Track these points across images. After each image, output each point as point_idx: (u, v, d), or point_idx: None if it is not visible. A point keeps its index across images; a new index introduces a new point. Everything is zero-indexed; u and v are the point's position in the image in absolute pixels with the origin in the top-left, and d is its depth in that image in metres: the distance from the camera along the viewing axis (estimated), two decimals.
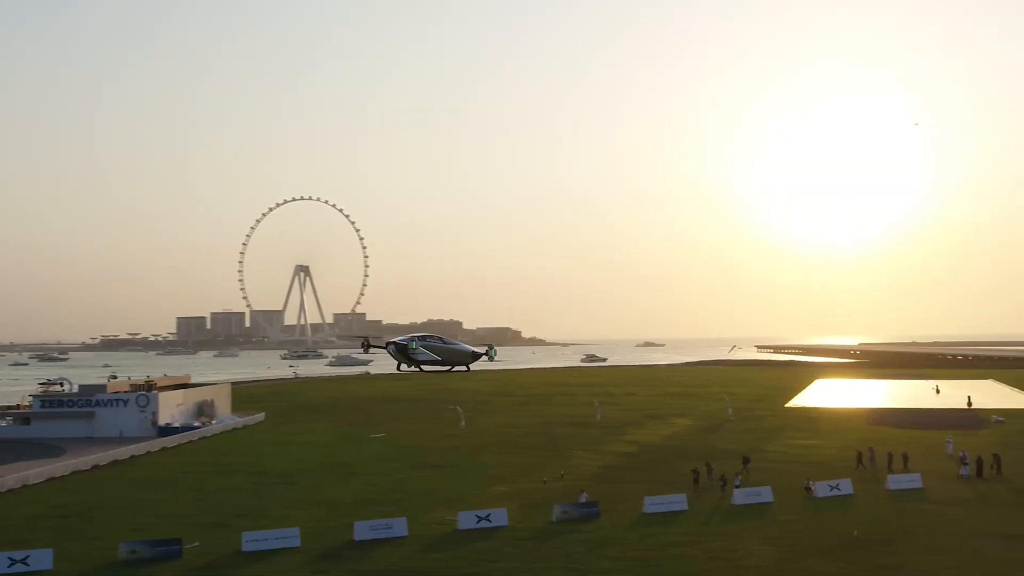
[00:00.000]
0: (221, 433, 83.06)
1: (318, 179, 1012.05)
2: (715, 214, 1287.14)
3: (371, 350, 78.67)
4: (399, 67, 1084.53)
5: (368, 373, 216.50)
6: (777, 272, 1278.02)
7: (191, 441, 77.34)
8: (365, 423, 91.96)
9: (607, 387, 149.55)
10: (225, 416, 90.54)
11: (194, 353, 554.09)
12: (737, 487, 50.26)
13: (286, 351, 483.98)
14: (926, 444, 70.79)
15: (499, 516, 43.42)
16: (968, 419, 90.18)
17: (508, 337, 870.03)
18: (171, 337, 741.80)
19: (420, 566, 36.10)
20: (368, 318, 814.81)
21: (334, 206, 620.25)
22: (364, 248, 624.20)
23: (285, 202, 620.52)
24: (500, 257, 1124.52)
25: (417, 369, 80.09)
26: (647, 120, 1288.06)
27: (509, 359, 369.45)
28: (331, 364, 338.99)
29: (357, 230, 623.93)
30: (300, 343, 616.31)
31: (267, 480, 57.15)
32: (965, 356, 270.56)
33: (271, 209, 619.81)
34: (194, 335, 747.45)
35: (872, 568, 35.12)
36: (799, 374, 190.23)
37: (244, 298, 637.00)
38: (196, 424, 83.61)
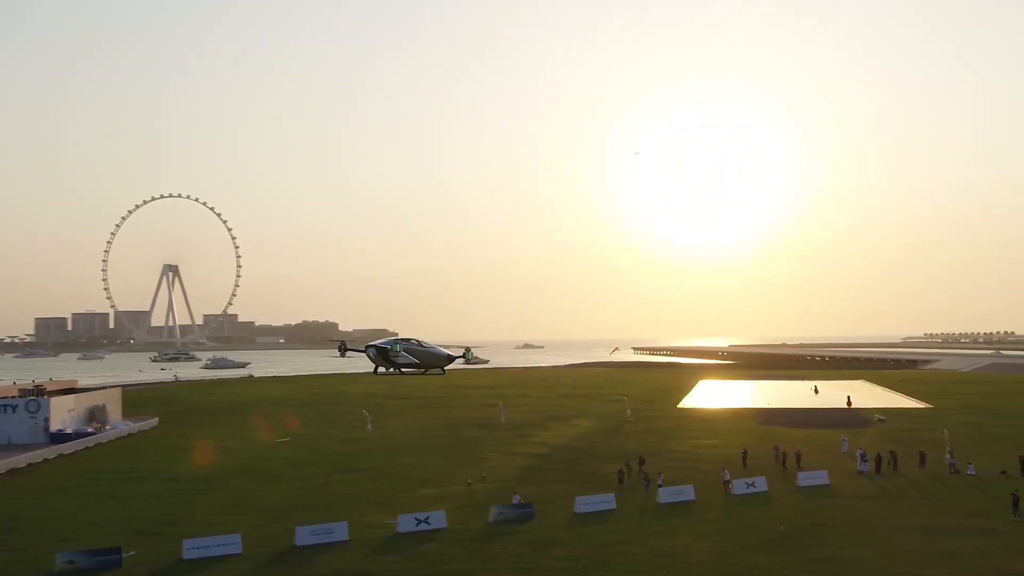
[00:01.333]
0: (117, 439, 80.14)
1: (188, 176, 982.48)
2: (590, 217, 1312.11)
3: (347, 353, 77.78)
4: (274, 63, 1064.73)
5: (252, 376, 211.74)
6: (650, 275, 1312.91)
7: (87, 448, 74.29)
8: (266, 426, 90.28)
9: (499, 389, 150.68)
10: (117, 421, 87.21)
11: (55, 356, 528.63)
12: (660, 486, 51.84)
13: (156, 353, 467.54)
14: (820, 442, 74.34)
15: (437, 518, 43.59)
16: (852, 418, 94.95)
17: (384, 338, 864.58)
18: (29, 339, 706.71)
19: (373, 570, 35.93)
20: (240, 319, 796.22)
21: (204, 204, 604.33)
22: (236, 248, 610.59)
23: (153, 199, 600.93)
24: (377, 257, 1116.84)
25: (397, 371, 79.34)
26: (525, 122, 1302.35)
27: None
28: (207, 367, 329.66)
29: (229, 229, 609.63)
30: (168, 345, 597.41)
31: (185, 486, 55.54)
32: (832, 357, 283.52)
33: (137, 206, 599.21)
34: (54, 336, 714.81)
35: (808, 560, 36.88)
36: (682, 375, 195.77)
37: (108, 298, 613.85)
38: (89, 430, 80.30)
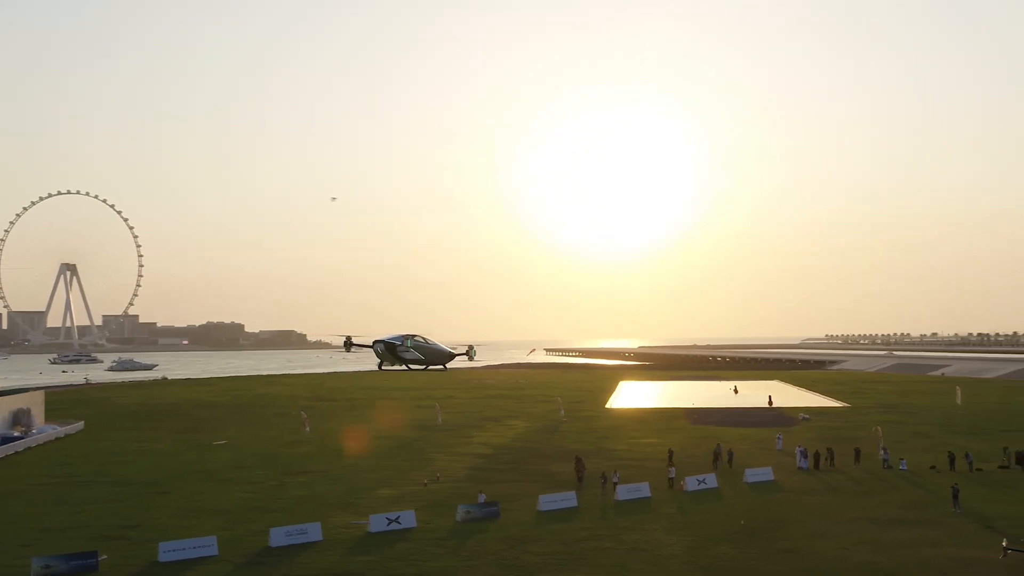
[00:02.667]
0: (46, 443, 77.90)
1: (88, 172, 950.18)
2: (499, 219, 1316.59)
3: (353, 348, 77.04)
4: (178, 57, 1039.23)
5: (165, 378, 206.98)
6: (558, 276, 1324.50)
7: (17, 452, 72.13)
8: (197, 430, 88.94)
9: (424, 391, 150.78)
10: (43, 426, 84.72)
11: None
12: (616, 484, 53.15)
13: (55, 355, 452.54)
14: (753, 441, 76.93)
15: (408, 518, 43.97)
16: (777, 417, 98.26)
17: (293, 340, 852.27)
18: None
19: (356, 568, 36.17)
20: (141, 320, 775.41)
21: (104, 201, 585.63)
22: (138, 246, 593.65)
23: (49, 196, 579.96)
24: (285, 257, 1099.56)
25: (405, 368, 78.88)
26: (436, 122, 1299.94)
27: (305, 363, 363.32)
28: (113, 369, 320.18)
29: (131, 227, 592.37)
30: (66, 347, 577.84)
31: (134, 490, 54.49)
32: (742, 358, 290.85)
33: (33, 203, 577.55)
34: None
35: (774, 552, 38.53)
36: (601, 377, 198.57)
37: (1, 298, 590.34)
38: (15, 434, 77.87)
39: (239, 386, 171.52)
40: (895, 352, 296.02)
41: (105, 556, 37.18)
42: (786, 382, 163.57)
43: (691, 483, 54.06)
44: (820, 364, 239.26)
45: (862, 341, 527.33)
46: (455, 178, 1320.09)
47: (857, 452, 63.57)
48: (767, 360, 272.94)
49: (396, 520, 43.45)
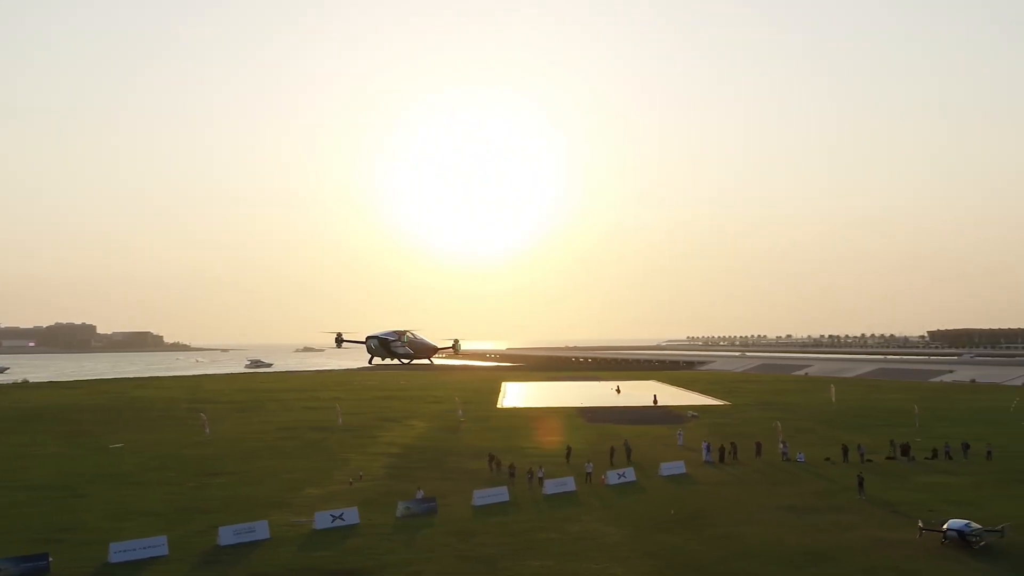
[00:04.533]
0: None
1: None
2: (364, 220, 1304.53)
3: (343, 344, 75.39)
4: (37, 52, 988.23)
5: (27, 381, 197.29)
6: (423, 277, 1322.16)
7: None
8: (86, 433, 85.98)
9: (307, 392, 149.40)
10: None
11: None
12: (541, 479, 54.71)
13: None
14: (652, 437, 79.98)
15: (351, 515, 44.26)
16: (666, 414, 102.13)
17: (149, 342, 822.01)
18: None
19: (315, 564, 36.30)
20: None
21: None
22: None
23: None
24: (140, 256, 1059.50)
25: (399, 361, 77.89)
26: (301, 119, 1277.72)
27: (167, 366, 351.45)
28: None
29: None
30: None
31: (51, 494, 52.48)
32: (613, 359, 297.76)
33: None
34: None
35: (710, 538, 40.72)
36: (482, 377, 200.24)
37: None
38: None
39: (109, 388, 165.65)
40: (748, 353, 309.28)
41: (52, 557, 36.19)
42: (663, 382, 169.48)
43: (612, 477, 56.17)
44: (689, 365, 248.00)
45: (721, 343, 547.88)
46: (319, 178, 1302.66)
47: (758, 446, 67.27)
48: (638, 361, 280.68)
49: (340, 517, 43.72)
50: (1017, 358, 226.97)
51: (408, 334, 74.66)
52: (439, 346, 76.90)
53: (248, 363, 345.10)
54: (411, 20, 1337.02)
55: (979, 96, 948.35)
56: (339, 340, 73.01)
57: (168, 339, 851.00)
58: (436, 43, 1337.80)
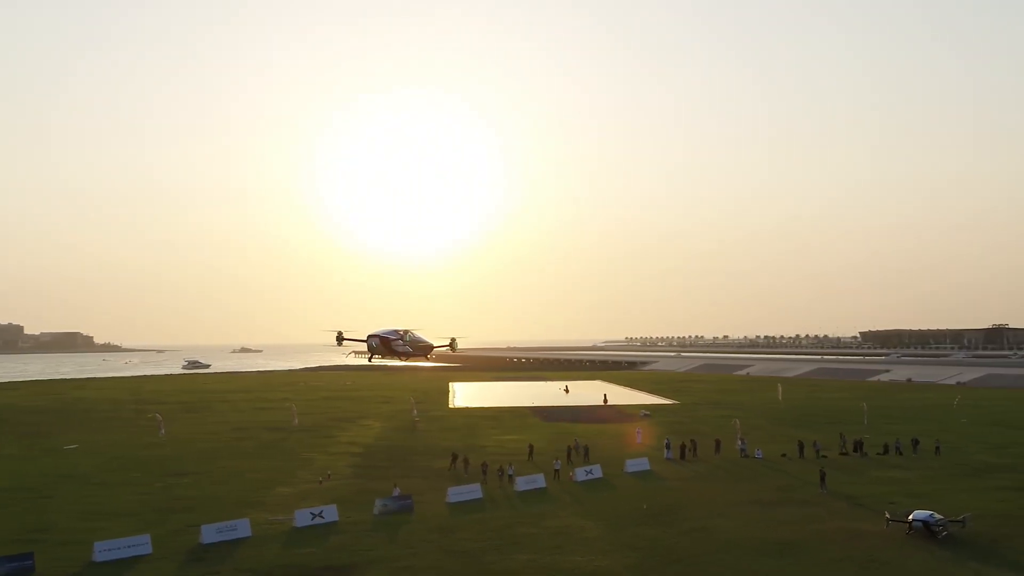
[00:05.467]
0: None
1: None
2: (301, 220, 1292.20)
3: (344, 343, 74.27)
4: None
5: None
6: (359, 278, 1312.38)
7: None
8: (37, 434, 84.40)
9: (257, 393, 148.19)
10: None
11: None
12: (511, 476, 55.41)
13: None
14: (611, 435, 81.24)
15: (330, 512, 44.45)
16: (618, 413, 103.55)
17: (79, 343, 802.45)
18: None
19: (306, 561, 36.42)
20: None
21: None
22: None
23: None
24: (71, 254, 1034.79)
25: (401, 361, 77.51)
26: (237, 116, 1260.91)
27: (100, 367, 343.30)
28: None
29: None
30: None
31: (16, 496, 51.54)
32: (557, 359, 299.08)
33: None
34: None
35: (686, 531, 41.77)
36: (428, 378, 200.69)
37: None
38: None
39: (49, 390, 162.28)
40: (684, 354, 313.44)
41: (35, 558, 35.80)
42: (608, 381, 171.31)
43: (580, 474, 57.08)
44: (632, 365, 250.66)
45: (660, 344, 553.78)
46: (255, 176, 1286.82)
47: (717, 443, 68.81)
48: (580, 361, 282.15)
49: (320, 515, 43.87)
50: (943, 357, 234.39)
51: (409, 333, 74.71)
52: (435, 344, 77.00)
53: (186, 364, 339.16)
54: (349, 20, 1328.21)
55: (912, 100, 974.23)
56: (340, 339, 72.34)
57: (98, 340, 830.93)
58: (374, 43, 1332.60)
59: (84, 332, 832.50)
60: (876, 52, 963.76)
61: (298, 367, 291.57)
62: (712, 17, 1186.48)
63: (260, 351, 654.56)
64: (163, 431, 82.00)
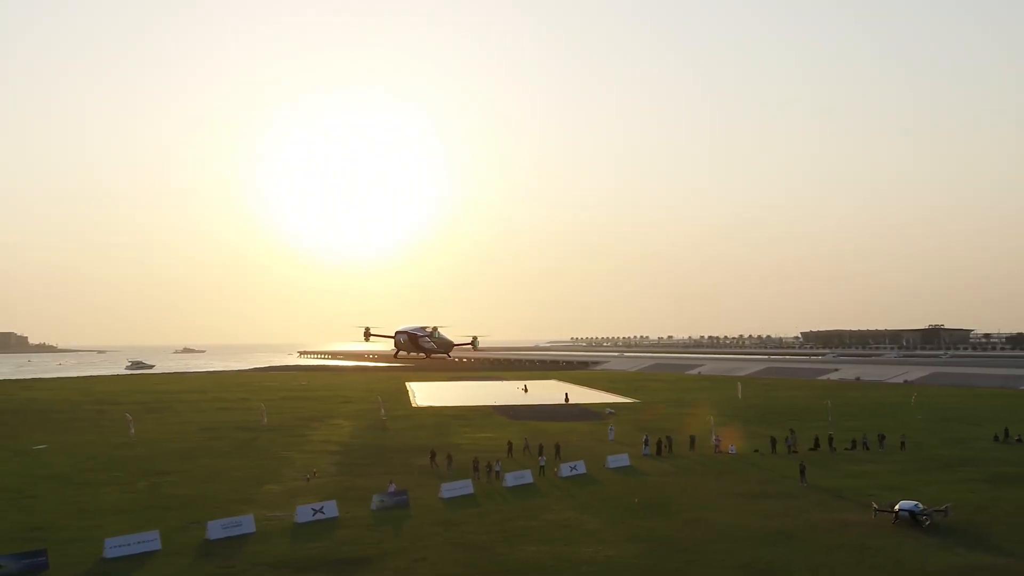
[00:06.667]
0: None
1: None
2: (243, 218, 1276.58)
3: (371, 338, 73.92)
4: None
5: None
6: (303, 277, 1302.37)
7: None
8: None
9: (213, 393, 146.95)
10: None
11: None
12: (497, 472, 56.29)
13: None
14: (581, 433, 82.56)
15: (330, 508, 44.89)
16: (583, 411, 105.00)
17: (12, 343, 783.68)
18: None
19: (319, 554, 36.84)
20: None
21: None
22: None
23: None
24: (1, 254, 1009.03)
25: (425, 356, 77.62)
26: (178, 113, 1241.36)
27: (39, 368, 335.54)
28: None
29: None
30: None
31: (2, 496, 51.27)
32: (508, 360, 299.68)
33: None
34: None
35: (682, 522, 43.04)
36: (381, 377, 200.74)
37: None
38: None
39: (3, 392, 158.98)
40: (627, 354, 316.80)
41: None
42: (564, 381, 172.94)
43: (564, 469, 58.16)
44: (584, 365, 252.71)
45: (605, 344, 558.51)
46: (195, 176, 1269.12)
47: (692, 439, 70.46)
48: (531, 362, 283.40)
49: (320, 510, 44.28)
50: (872, 357, 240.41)
51: (437, 330, 74.95)
52: (457, 342, 77.60)
53: (129, 364, 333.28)
54: (292, 19, 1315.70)
55: (851, 102, 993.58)
56: (367, 334, 72.03)
57: (33, 340, 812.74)
58: (314, 43, 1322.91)
59: (18, 332, 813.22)
60: (816, 55, 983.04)
61: (246, 368, 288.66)
62: (654, 18, 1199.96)
63: (203, 351, 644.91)
64: (133, 431, 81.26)
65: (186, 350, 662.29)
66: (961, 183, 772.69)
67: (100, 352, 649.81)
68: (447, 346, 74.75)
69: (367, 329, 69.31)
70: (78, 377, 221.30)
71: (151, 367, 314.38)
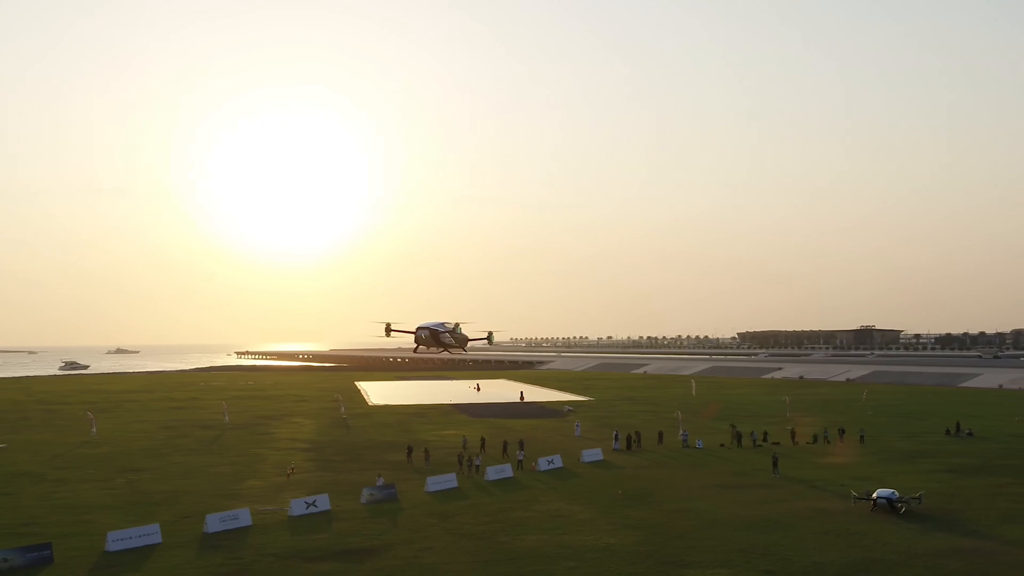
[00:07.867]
0: None
1: None
2: (177, 217, 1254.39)
3: (392, 334, 73.02)
4: None
5: None
6: (239, 276, 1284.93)
7: None
8: None
9: (161, 392, 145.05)
10: None
11: None
12: (478, 466, 57.03)
13: None
14: (547, 429, 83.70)
15: (323, 501, 45.11)
16: (541, 409, 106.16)
17: None
18: None
19: (324, 545, 37.06)
20: None
21: None
22: None
23: None
24: None
25: (445, 352, 77.04)
26: (108, 110, 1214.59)
27: None
28: None
29: None
30: None
31: None
32: (447, 360, 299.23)
33: None
34: None
35: (670, 511, 44.19)
36: (329, 378, 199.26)
37: None
38: None
39: None
40: (564, 353, 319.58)
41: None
42: (515, 380, 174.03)
43: (542, 463, 59.11)
44: (529, 364, 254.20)
45: (544, 344, 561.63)
46: (128, 175, 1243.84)
47: (660, 435, 72.05)
48: (476, 361, 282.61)
49: (313, 504, 44.55)
50: (802, 356, 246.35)
51: (458, 327, 74.91)
52: (471, 338, 77.90)
53: (63, 365, 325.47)
54: (229, 16, 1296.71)
55: (787, 106, 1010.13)
56: (388, 330, 71.39)
57: None
58: (251, 41, 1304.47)
59: None
60: (750, 57, 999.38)
61: (187, 368, 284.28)
62: (591, 18, 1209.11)
63: (138, 352, 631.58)
64: (95, 429, 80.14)
65: (119, 351, 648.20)
66: (893, 187, 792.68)
67: (31, 352, 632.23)
68: (464, 341, 75.38)
69: (388, 325, 69.51)
70: (14, 378, 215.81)
71: (86, 367, 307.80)
